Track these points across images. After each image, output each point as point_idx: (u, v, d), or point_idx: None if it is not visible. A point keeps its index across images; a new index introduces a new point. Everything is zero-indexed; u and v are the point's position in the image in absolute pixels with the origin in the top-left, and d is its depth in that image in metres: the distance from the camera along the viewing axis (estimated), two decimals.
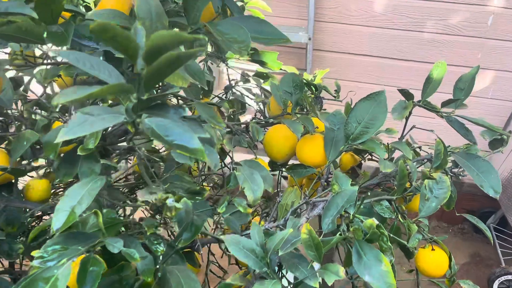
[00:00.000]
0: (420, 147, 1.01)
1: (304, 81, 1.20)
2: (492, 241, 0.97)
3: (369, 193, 0.88)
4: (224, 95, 1.35)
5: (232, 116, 1.12)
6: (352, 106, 0.89)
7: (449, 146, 1.05)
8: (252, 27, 0.71)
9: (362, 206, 0.86)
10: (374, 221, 0.72)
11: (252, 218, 0.95)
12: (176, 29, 0.82)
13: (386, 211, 0.86)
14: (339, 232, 0.77)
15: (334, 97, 1.29)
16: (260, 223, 0.93)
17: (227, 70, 1.49)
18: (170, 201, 0.63)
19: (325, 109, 1.29)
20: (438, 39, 2.21)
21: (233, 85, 1.35)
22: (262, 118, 1.06)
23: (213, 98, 1.35)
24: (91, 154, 0.66)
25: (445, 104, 0.92)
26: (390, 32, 2.22)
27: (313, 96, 1.17)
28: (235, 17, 0.71)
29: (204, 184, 1.05)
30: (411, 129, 0.97)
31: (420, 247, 0.91)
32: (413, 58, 2.24)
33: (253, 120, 1.00)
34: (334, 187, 0.81)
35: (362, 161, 1.13)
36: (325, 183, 1.00)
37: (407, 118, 0.96)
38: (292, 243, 0.66)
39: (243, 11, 1.20)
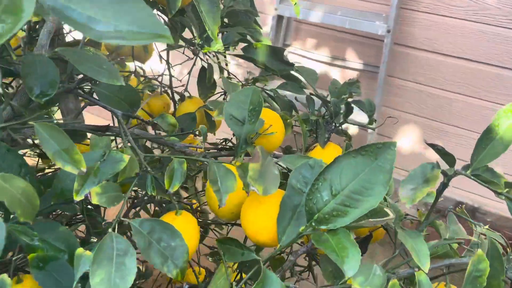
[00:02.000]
0: (461, 243, 0.59)
1: (312, 95, 0.83)
2: None
3: None
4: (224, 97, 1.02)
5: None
6: (333, 160, 0.51)
7: None
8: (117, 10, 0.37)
9: None
10: None
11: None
12: None
13: None
14: None
15: (375, 121, 0.90)
16: None
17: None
18: None
19: (349, 142, 0.89)
20: None
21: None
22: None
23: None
24: None
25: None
26: (505, 33, 1.67)
27: (322, 119, 0.80)
28: None
29: None
30: (449, 210, 0.55)
31: None
32: None
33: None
34: None
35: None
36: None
37: (438, 194, 0.55)
38: None
39: None
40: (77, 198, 0.50)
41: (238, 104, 0.57)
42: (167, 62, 1.00)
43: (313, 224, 0.51)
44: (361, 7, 1.73)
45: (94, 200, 0.49)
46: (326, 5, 1.71)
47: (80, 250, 0.47)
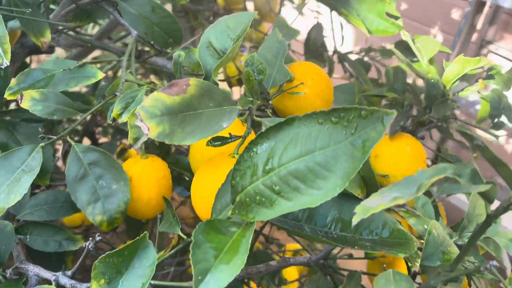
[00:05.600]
0: None
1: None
2: None
3: None
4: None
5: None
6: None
7: None
8: None
9: None
10: None
11: None
12: None
13: None
14: None
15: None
16: None
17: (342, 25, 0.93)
18: None
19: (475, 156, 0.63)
20: None
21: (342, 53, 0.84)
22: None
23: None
24: None
25: None
26: None
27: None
28: None
29: None
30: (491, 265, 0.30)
31: None
32: None
33: None
34: None
35: None
36: None
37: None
38: None
39: None
40: (8, 97, 0.44)
41: (225, 30, 0.42)
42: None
43: (238, 208, 0.33)
44: None
45: (24, 104, 0.43)
46: None
47: None
